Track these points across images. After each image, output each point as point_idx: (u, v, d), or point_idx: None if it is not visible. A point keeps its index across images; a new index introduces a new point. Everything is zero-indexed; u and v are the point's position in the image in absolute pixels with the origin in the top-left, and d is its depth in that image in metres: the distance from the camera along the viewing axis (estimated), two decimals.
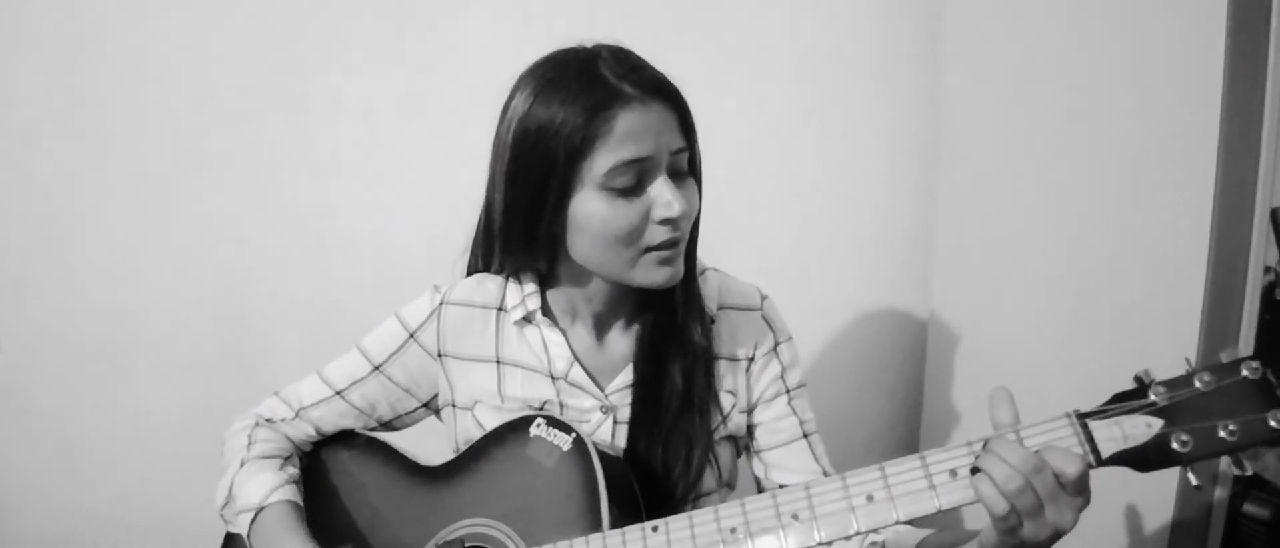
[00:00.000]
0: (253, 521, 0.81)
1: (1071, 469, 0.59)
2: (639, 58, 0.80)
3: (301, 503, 0.84)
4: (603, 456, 0.78)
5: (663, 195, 0.76)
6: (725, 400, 0.90)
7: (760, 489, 0.96)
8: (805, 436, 0.94)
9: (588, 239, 0.78)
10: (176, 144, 1.33)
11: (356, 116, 1.37)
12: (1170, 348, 1.05)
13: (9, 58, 1.27)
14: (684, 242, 0.81)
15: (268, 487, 0.82)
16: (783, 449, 0.93)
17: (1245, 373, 0.59)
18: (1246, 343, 1.01)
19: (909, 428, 1.66)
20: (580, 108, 0.74)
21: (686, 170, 0.81)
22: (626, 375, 0.89)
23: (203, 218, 1.36)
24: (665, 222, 0.77)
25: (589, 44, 0.80)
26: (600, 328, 0.90)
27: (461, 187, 1.38)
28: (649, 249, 0.78)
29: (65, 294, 1.35)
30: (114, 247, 1.35)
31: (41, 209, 1.32)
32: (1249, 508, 1.06)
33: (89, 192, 1.32)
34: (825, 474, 0.93)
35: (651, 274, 0.79)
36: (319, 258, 1.40)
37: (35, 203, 1.32)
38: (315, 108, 1.35)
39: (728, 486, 0.96)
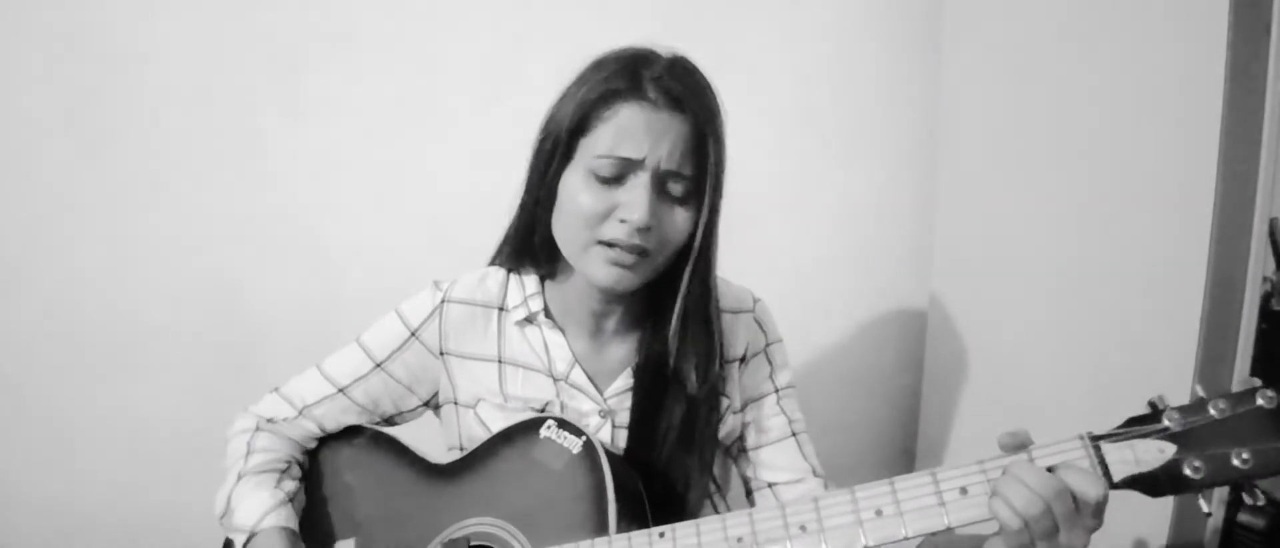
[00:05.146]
0: (246, 544, 0.81)
1: (1093, 493, 0.59)
2: (691, 74, 0.80)
3: (295, 525, 0.84)
4: (612, 460, 0.78)
5: (630, 197, 0.76)
6: (720, 405, 0.90)
7: (748, 490, 0.97)
8: (794, 434, 0.95)
9: (561, 214, 0.81)
10: (174, 143, 1.32)
11: (355, 117, 1.36)
12: (1168, 356, 1.05)
13: (8, 55, 1.25)
14: (651, 259, 0.79)
15: (262, 509, 0.82)
16: (771, 448, 0.94)
17: (1260, 401, 0.59)
18: (1244, 352, 1.02)
19: (907, 433, 1.66)
20: (598, 89, 0.77)
21: (678, 197, 0.79)
22: (625, 379, 0.89)
23: (200, 217, 1.35)
24: (623, 222, 0.76)
25: (663, 49, 0.81)
26: (598, 328, 0.90)
27: (460, 188, 1.40)
28: (602, 243, 0.78)
29: (61, 292, 1.34)
30: (110, 245, 1.33)
31: (38, 206, 1.31)
32: (1244, 518, 1.07)
33: (86, 189, 1.31)
34: (815, 473, 0.94)
35: (596, 269, 0.79)
36: (316, 258, 1.39)
37: (32, 200, 1.30)
38: (314, 108, 1.34)
39: (718, 490, 0.96)
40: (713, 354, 0.85)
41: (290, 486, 0.87)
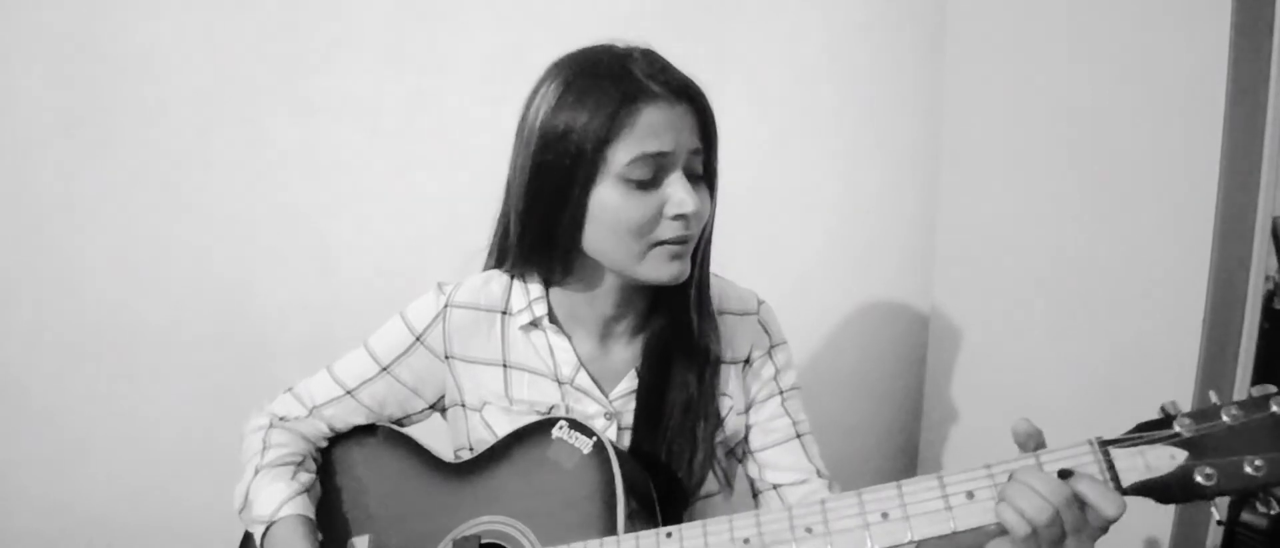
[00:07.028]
0: (265, 533, 0.83)
1: (1111, 511, 0.58)
2: (667, 61, 0.81)
3: (313, 514, 0.85)
4: (622, 460, 0.78)
5: (676, 192, 0.77)
6: (723, 404, 0.91)
7: (754, 491, 0.97)
8: (798, 435, 0.95)
9: (601, 230, 0.79)
10: (178, 142, 1.31)
11: (359, 117, 1.35)
12: (1171, 355, 1.06)
13: (11, 55, 1.24)
14: (693, 242, 0.82)
15: (279, 499, 0.83)
16: (776, 449, 0.94)
17: (1274, 408, 0.58)
18: (1247, 351, 1.02)
19: (909, 433, 1.66)
20: (610, 100, 0.76)
21: (701, 174, 0.81)
22: (629, 382, 0.89)
23: (204, 217, 1.34)
24: (677, 218, 0.78)
25: (620, 44, 0.81)
26: (605, 333, 0.90)
27: (464, 188, 1.38)
28: (658, 244, 0.79)
29: (65, 292, 1.33)
30: (115, 245, 1.32)
31: (42, 206, 1.29)
32: (1247, 517, 1.07)
33: (90, 189, 1.30)
34: (819, 474, 0.94)
35: (659, 269, 0.80)
36: (321, 258, 1.39)
37: (36, 200, 1.29)
38: (318, 108, 1.33)
39: (727, 488, 0.96)
40: (714, 316, 0.89)
41: (306, 478, 0.88)
